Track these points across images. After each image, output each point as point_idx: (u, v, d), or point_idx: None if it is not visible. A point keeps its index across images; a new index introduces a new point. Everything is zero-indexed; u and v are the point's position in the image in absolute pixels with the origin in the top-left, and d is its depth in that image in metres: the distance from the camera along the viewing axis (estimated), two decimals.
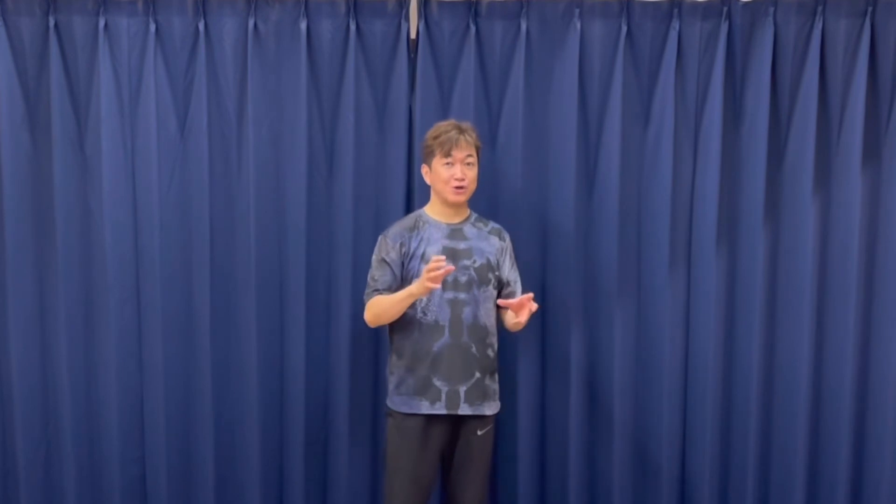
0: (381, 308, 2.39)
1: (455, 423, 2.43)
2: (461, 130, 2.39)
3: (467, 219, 2.49)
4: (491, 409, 2.46)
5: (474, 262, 2.42)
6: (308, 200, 2.71)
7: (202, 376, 2.78)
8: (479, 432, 2.43)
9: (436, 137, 2.39)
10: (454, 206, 2.44)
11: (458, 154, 2.37)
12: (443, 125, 2.43)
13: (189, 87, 2.69)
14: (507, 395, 2.80)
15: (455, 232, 2.44)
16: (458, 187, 2.38)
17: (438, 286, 2.25)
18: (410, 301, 2.33)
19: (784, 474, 2.85)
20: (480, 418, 2.43)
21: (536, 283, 2.78)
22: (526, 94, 2.71)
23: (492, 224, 2.53)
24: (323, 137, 2.73)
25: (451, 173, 2.38)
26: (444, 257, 2.23)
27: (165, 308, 2.73)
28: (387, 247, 2.43)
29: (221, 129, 2.72)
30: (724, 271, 2.80)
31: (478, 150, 2.44)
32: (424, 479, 2.41)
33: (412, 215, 2.52)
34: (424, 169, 2.47)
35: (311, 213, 2.73)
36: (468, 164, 2.39)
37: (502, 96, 2.75)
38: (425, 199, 2.56)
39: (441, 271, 2.18)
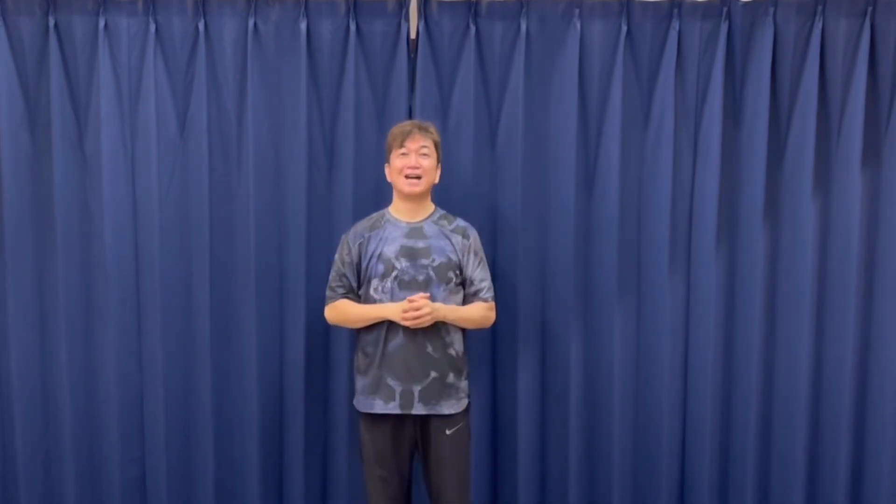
0: (346, 316, 2.45)
1: (423, 423, 2.42)
2: (419, 127, 2.42)
3: (429, 217, 2.47)
4: (451, 408, 2.41)
5: (433, 260, 2.39)
6: (308, 200, 2.72)
7: (202, 376, 2.78)
8: (447, 431, 2.41)
9: (391, 133, 2.44)
10: (414, 200, 2.43)
11: (412, 144, 2.38)
12: (403, 123, 2.47)
13: (189, 87, 2.69)
14: (508, 394, 2.81)
15: (414, 230, 2.43)
16: (410, 176, 2.38)
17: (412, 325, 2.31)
18: (380, 318, 2.37)
19: (784, 474, 2.86)
20: (444, 417, 2.40)
21: (536, 282, 2.78)
22: (526, 94, 2.71)
23: (457, 222, 2.49)
24: (323, 137, 2.74)
25: (404, 162, 2.39)
26: (427, 295, 2.32)
27: (165, 308, 2.73)
28: (347, 247, 2.47)
29: (221, 129, 2.72)
30: (724, 271, 2.80)
31: (436, 144, 2.44)
32: (394, 477, 2.42)
33: (376, 214, 2.52)
34: (386, 168, 2.47)
35: (311, 213, 2.73)
36: (423, 154, 2.39)
37: (502, 96, 2.74)
38: None
39: (417, 314, 2.28)
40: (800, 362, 2.79)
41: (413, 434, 2.43)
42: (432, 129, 2.45)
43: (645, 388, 2.85)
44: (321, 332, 2.78)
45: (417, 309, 2.30)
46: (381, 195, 2.75)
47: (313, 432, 2.82)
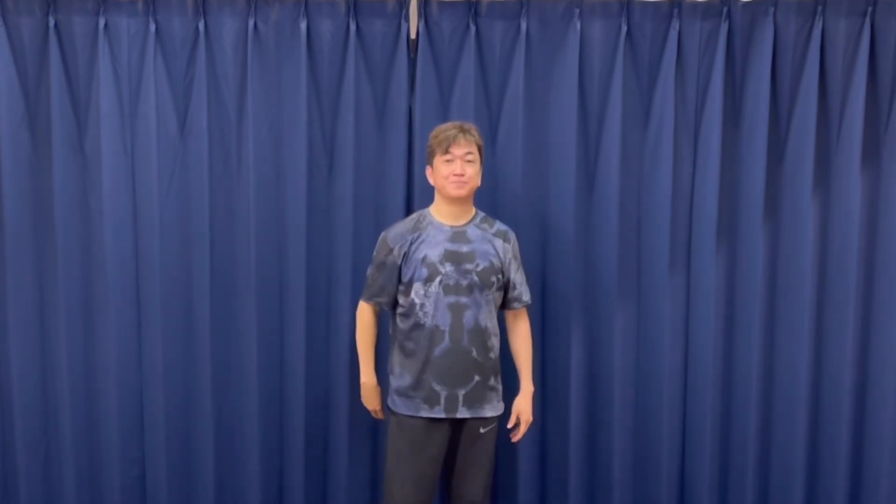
0: (357, 335, 2.53)
1: (457, 423, 2.43)
2: (462, 130, 2.39)
3: (472, 220, 2.47)
4: (493, 410, 2.45)
5: (477, 265, 2.40)
6: (308, 200, 2.71)
7: (202, 376, 2.78)
8: (482, 430, 2.43)
9: (436, 137, 2.40)
10: (457, 204, 2.42)
11: (457, 151, 2.36)
12: (445, 125, 2.43)
13: (189, 87, 2.69)
14: (508, 394, 2.79)
15: (458, 234, 2.42)
16: (456, 181, 2.37)
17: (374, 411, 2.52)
18: (362, 373, 2.51)
19: (784, 474, 2.86)
20: (483, 419, 2.43)
21: (536, 282, 2.78)
22: (526, 94, 2.71)
23: (498, 225, 2.50)
24: (323, 137, 2.73)
25: (450, 169, 2.37)
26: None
27: (165, 308, 2.73)
28: (386, 248, 2.44)
29: (221, 129, 2.72)
30: (724, 271, 2.80)
31: (480, 148, 2.42)
32: (425, 480, 2.40)
33: (415, 215, 2.50)
34: (428, 170, 2.46)
35: (311, 213, 2.73)
36: (468, 160, 2.38)
37: (502, 96, 2.75)
38: (425, 199, 2.57)
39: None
40: (800, 362, 2.79)
41: (447, 436, 2.43)
42: (475, 131, 2.42)
43: (645, 387, 2.85)
44: (322, 332, 2.78)
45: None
46: (380, 195, 2.75)
47: (313, 433, 2.82)
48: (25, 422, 2.77)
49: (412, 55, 2.71)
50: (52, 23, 2.62)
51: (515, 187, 2.74)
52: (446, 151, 2.36)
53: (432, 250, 2.39)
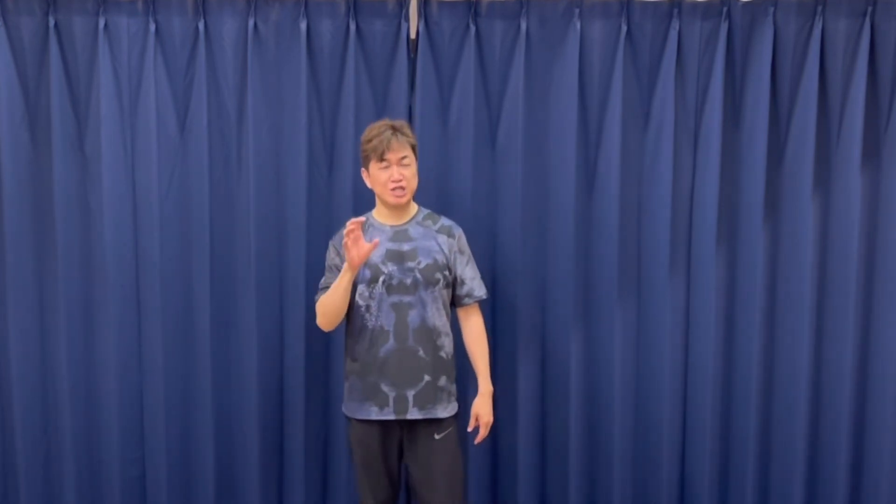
0: (325, 305, 2.36)
1: (411, 428, 2.39)
2: (394, 130, 2.34)
3: (413, 218, 2.44)
4: (445, 411, 2.39)
5: (419, 263, 2.37)
6: (308, 200, 2.72)
7: (202, 376, 2.78)
8: (436, 436, 2.38)
9: (369, 142, 2.35)
10: (397, 207, 2.41)
11: (393, 156, 2.32)
12: (375, 127, 2.37)
13: (189, 87, 2.69)
14: (508, 395, 2.81)
15: (399, 233, 2.40)
16: (396, 189, 2.35)
17: (359, 253, 2.22)
18: (348, 280, 2.29)
19: (784, 474, 2.86)
20: (435, 422, 2.38)
21: (536, 283, 2.79)
22: (526, 94, 2.71)
23: (442, 221, 2.47)
24: (323, 137, 2.74)
25: (387, 175, 2.34)
26: (362, 219, 2.24)
27: (165, 308, 2.73)
28: (332, 252, 2.44)
29: (221, 129, 2.72)
30: (724, 271, 2.80)
31: (413, 148, 2.38)
32: (384, 481, 2.42)
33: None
34: (364, 174, 2.43)
35: (311, 213, 2.73)
36: (404, 164, 2.36)
37: (502, 96, 2.75)
38: (423, 198, 2.57)
39: (354, 234, 2.19)
40: (800, 362, 2.79)
41: (401, 438, 2.41)
42: (407, 129, 2.39)
43: (645, 388, 2.85)
44: (321, 331, 2.77)
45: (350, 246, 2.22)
46: None
47: (313, 432, 2.82)
48: (25, 422, 2.77)
49: (412, 55, 2.71)
50: (52, 23, 2.62)
51: (515, 187, 2.74)
52: (381, 159, 2.33)
53: (374, 251, 2.35)
